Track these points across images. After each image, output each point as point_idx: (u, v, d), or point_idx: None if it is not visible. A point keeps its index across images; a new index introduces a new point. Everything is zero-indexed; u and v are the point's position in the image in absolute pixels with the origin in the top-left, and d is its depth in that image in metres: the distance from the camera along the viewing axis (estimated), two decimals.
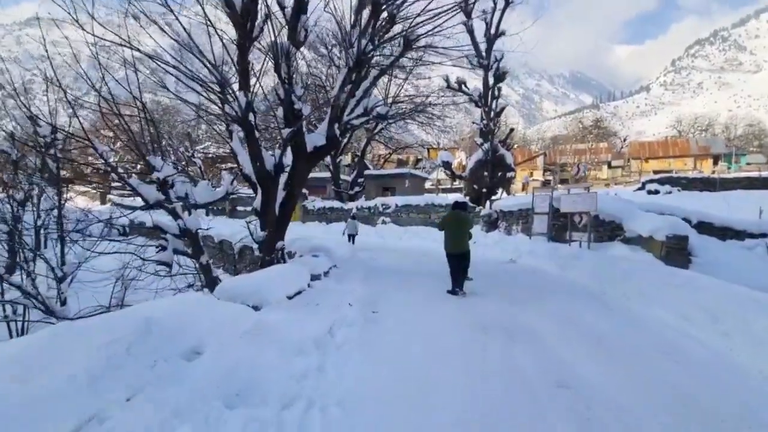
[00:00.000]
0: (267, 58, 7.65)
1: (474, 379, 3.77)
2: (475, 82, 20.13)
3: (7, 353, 2.26)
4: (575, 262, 9.59)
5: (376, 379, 3.62)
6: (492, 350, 4.49)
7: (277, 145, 9.59)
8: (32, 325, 9.62)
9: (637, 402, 3.36)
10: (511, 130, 22.02)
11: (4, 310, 9.74)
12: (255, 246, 9.73)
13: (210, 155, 41.00)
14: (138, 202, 8.82)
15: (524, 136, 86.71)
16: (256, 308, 4.52)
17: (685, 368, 4.03)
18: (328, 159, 27.92)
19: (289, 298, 5.49)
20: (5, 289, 9.41)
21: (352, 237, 16.52)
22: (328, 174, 29.86)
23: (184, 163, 35.60)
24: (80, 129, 10.13)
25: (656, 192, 30.08)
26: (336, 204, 25.04)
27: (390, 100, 23.83)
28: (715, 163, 55.27)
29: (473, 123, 20.49)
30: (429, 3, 8.50)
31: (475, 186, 18.96)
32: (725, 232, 13.08)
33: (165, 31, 7.67)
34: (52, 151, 9.88)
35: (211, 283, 8.21)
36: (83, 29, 6.52)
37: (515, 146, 37.64)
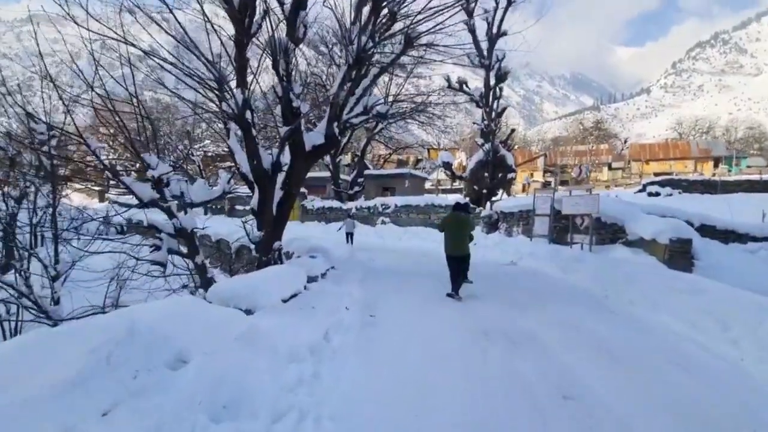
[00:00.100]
0: (265, 55, 7.49)
1: (475, 388, 3.63)
2: (475, 82, 20.00)
3: None
4: (577, 265, 9.44)
5: (373, 388, 3.48)
6: (493, 357, 4.35)
7: (275, 144, 9.45)
8: (25, 324, 9.47)
9: (645, 414, 3.22)
10: (512, 130, 21.89)
11: None
12: (253, 246, 9.59)
13: (209, 154, 40.86)
14: (136, 200, 8.69)
15: (525, 137, 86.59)
16: (249, 312, 4.36)
17: (694, 379, 3.88)
18: (327, 158, 27.78)
19: (284, 301, 5.33)
20: None
21: (349, 236, 16.38)
22: (327, 173, 29.70)
23: (182, 161, 35.48)
24: (80, 126, 10.01)
25: (657, 194, 29.96)
26: (335, 204, 24.90)
27: (390, 100, 23.67)
28: (716, 165, 55.19)
29: (474, 123, 20.36)
30: (430, 1, 8.37)
31: (476, 187, 18.82)
32: (728, 236, 12.95)
33: (161, 27, 7.51)
34: (45, 149, 9.69)
35: (207, 283, 8.05)
36: (76, 23, 6.37)
37: (516, 147, 37.51)
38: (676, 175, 41.90)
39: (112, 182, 9.99)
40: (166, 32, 7.62)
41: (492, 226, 15.83)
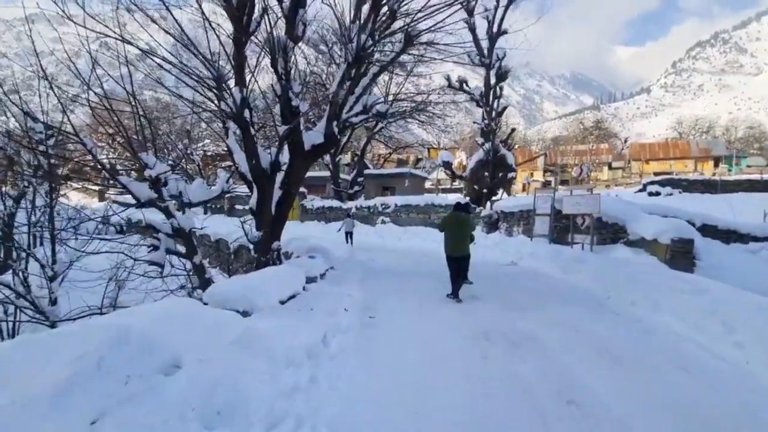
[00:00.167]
0: (264, 53, 7.42)
1: (475, 390, 3.58)
2: (476, 81, 19.93)
3: None
4: (578, 265, 9.37)
5: (371, 392, 3.41)
6: (493, 359, 4.28)
7: (275, 143, 9.38)
8: (23, 325, 9.40)
9: (645, 415, 3.16)
10: (513, 130, 21.80)
11: None
12: (251, 246, 9.52)
13: (209, 153, 40.74)
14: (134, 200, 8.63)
15: (525, 136, 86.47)
16: (246, 314, 4.29)
17: (701, 383, 3.80)
18: (327, 158, 27.71)
19: (282, 302, 5.25)
20: None
21: (349, 235, 16.29)
22: (327, 173, 29.63)
23: (182, 160, 35.38)
24: (79, 126, 9.93)
25: (657, 194, 29.89)
26: (335, 203, 24.82)
27: (390, 99, 23.59)
28: (716, 165, 55.12)
29: (474, 123, 20.27)
30: None
31: (476, 186, 18.74)
32: (729, 236, 12.89)
33: (159, 26, 7.43)
34: (42, 148, 9.63)
35: (205, 284, 7.98)
36: (72, 21, 6.28)
37: (516, 147, 37.44)
38: (677, 174, 41.84)
39: (110, 182, 9.94)
40: (165, 31, 7.54)
41: (492, 225, 15.75)
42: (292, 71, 8.26)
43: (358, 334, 4.87)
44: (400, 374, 3.83)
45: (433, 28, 8.55)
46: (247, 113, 7.43)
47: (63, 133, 8.19)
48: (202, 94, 8.19)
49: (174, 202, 8.52)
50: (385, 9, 8.38)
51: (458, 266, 7.11)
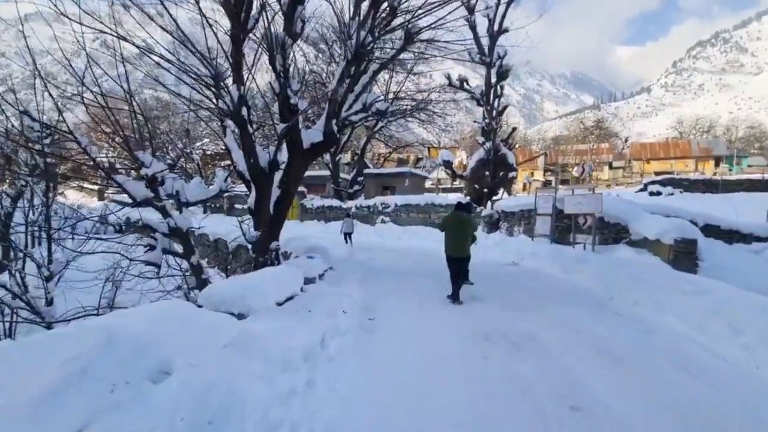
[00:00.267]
0: (261, 50, 7.31)
1: (477, 394, 3.49)
2: (476, 81, 19.81)
3: None
4: (580, 266, 9.26)
5: (370, 397, 3.30)
6: (495, 361, 4.18)
7: (274, 142, 9.27)
8: (19, 326, 9.31)
9: (652, 421, 3.07)
10: (514, 129, 21.69)
11: None
12: (250, 246, 9.42)
13: (208, 152, 40.63)
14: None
15: (525, 136, 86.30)
16: (241, 316, 4.18)
17: (703, 384, 3.71)
18: (327, 157, 27.61)
19: (280, 304, 5.15)
20: None
21: (348, 236, 16.20)
22: (327, 172, 29.53)
23: (182, 159, 35.28)
24: (77, 124, 9.80)
25: (658, 193, 29.80)
26: (335, 203, 24.72)
27: (390, 97, 23.46)
28: (717, 165, 55.00)
29: (475, 122, 20.15)
30: None
31: (476, 186, 18.62)
32: (732, 235, 12.81)
33: (155, 22, 7.32)
34: (39, 147, 9.53)
35: (202, 284, 7.88)
36: (67, 17, 6.18)
37: (517, 146, 37.32)
38: (677, 174, 41.74)
39: (107, 181, 9.84)
40: (162, 28, 7.43)
41: (493, 225, 15.65)
42: (291, 69, 8.16)
43: (357, 336, 4.76)
44: (399, 376, 3.75)
45: (433, 25, 8.43)
46: (244, 111, 7.32)
47: (58, 131, 8.09)
48: (199, 92, 8.09)
49: (171, 201, 8.43)
50: (384, 5, 8.27)
51: (458, 267, 6.99)
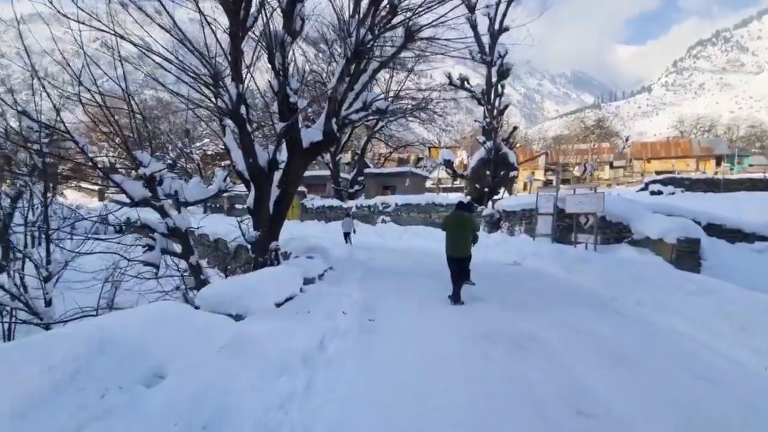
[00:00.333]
0: (259, 47, 7.24)
1: (478, 395, 3.42)
2: (476, 80, 19.71)
3: None
4: (582, 265, 9.18)
5: (371, 401, 3.22)
6: (498, 364, 4.09)
7: (273, 142, 9.21)
8: (19, 327, 9.24)
9: (657, 425, 2.99)
10: (515, 128, 21.60)
11: None
12: (249, 246, 9.35)
13: (209, 152, 40.59)
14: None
15: (526, 135, 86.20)
16: (239, 317, 4.11)
17: (716, 390, 3.60)
18: (327, 156, 27.55)
19: (278, 305, 5.07)
20: None
21: (347, 235, 16.20)
22: (327, 172, 29.46)
23: (182, 159, 35.26)
24: (75, 124, 9.73)
25: (659, 193, 29.67)
26: (335, 202, 24.65)
27: (391, 98, 23.38)
28: (718, 164, 54.86)
29: (476, 121, 20.05)
30: None
31: (477, 185, 18.53)
32: (735, 235, 12.72)
33: (152, 18, 7.24)
34: (36, 147, 9.47)
35: (200, 285, 7.81)
36: (61, 13, 6.11)
37: (518, 145, 37.24)
38: (678, 173, 41.61)
39: (105, 181, 9.78)
40: (159, 25, 7.35)
41: (494, 225, 15.57)
42: (291, 68, 8.09)
43: (356, 338, 4.66)
44: (400, 378, 3.68)
45: (434, 23, 8.35)
46: (243, 110, 7.25)
47: (56, 131, 8.02)
48: (198, 91, 8.03)
49: (170, 201, 8.36)
50: (384, 3, 8.20)
51: (459, 267, 6.90)
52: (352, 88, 8.59)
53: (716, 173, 44.01)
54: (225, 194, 9.80)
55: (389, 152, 36.30)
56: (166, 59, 7.34)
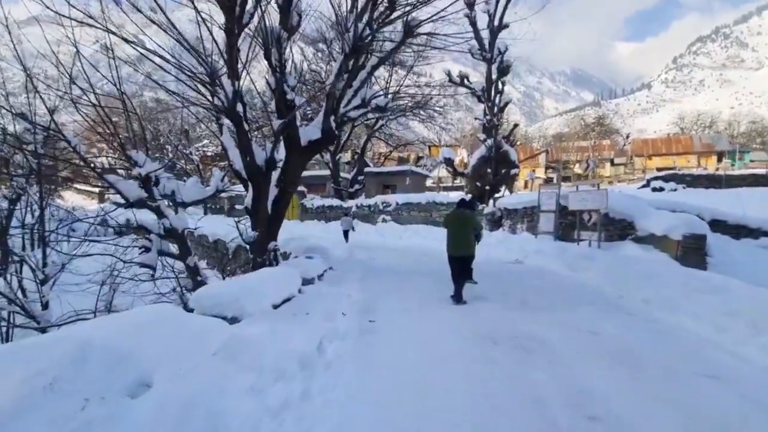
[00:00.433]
0: (255, 43, 7.09)
1: (478, 397, 3.31)
2: (476, 79, 19.57)
3: None
4: (586, 263, 9.03)
5: (370, 409, 3.07)
6: (503, 368, 3.94)
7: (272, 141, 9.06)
8: (17, 330, 9.12)
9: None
10: (515, 125, 21.43)
11: None
12: (248, 246, 9.21)
13: (208, 153, 40.47)
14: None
15: (526, 133, 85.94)
16: (234, 320, 3.96)
17: (733, 393, 3.45)
18: (327, 156, 27.43)
19: (276, 306, 4.93)
20: None
21: (346, 234, 16.22)
22: (327, 171, 29.34)
23: (182, 160, 35.14)
24: (70, 123, 9.58)
25: (661, 189, 29.54)
26: (335, 202, 24.52)
27: (390, 95, 23.22)
28: (719, 160, 54.66)
29: (476, 119, 19.89)
30: None
31: (478, 183, 18.37)
32: (739, 230, 12.61)
33: (143, 13, 7.09)
34: (30, 147, 9.34)
35: (198, 286, 7.66)
36: (52, 10, 5.97)
37: (518, 143, 37.07)
38: (680, 170, 41.41)
39: (99, 181, 9.65)
40: (151, 21, 7.20)
41: (495, 223, 15.43)
42: (289, 65, 7.95)
43: (356, 340, 4.51)
44: (401, 383, 3.53)
45: (433, 18, 8.19)
46: (240, 108, 7.10)
47: (48, 130, 7.88)
48: (195, 90, 7.89)
49: (167, 201, 8.22)
50: None
51: (460, 266, 6.75)
52: (351, 85, 8.45)
53: (717, 169, 43.85)
54: (224, 194, 9.66)
55: (389, 151, 36.17)
56: (161, 56, 7.20)
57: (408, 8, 8.16)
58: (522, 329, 5.10)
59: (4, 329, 9.03)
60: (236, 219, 8.58)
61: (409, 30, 8.07)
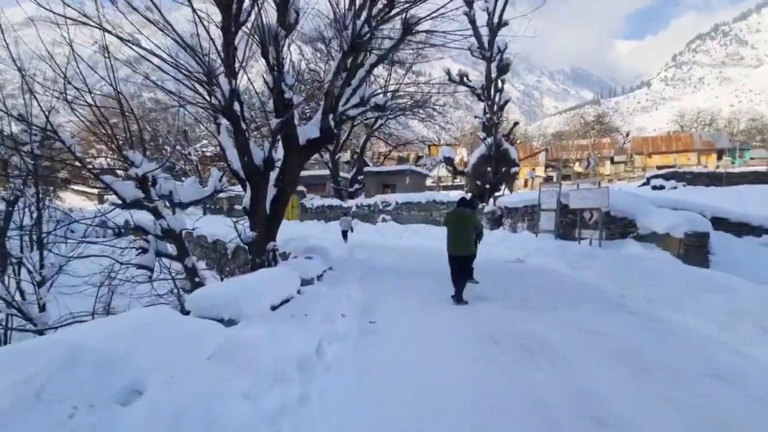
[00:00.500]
0: (251, 40, 7.01)
1: (479, 396, 3.28)
2: (475, 78, 19.49)
3: None
4: (588, 262, 8.96)
5: (370, 411, 3.00)
6: (506, 368, 3.87)
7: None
8: (15, 332, 9.05)
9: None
10: (515, 123, 21.35)
11: None
12: (246, 246, 9.13)
13: (208, 153, 40.39)
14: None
15: (525, 132, 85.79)
16: (231, 322, 3.89)
17: (743, 395, 3.37)
18: (327, 156, 27.34)
19: (274, 308, 4.85)
20: None
21: (345, 234, 16.16)
22: (327, 171, 29.26)
23: (182, 162, 35.07)
24: (65, 124, 9.52)
25: (661, 187, 29.42)
26: (335, 202, 24.45)
27: (390, 94, 23.13)
28: (720, 158, 54.57)
29: (475, 117, 19.81)
30: None
31: (478, 182, 18.28)
32: (741, 228, 12.52)
33: (139, 12, 7.01)
34: (27, 148, 9.24)
35: (196, 288, 7.59)
36: (43, 7, 5.90)
37: (518, 142, 37.00)
38: (680, 167, 41.31)
39: (95, 182, 9.58)
40: (147, 19, 7.12)
41: (496, 222, 15.36)
42: (287, 64, 7.86)
43: (356, 342, 4.43)
44: (402, 387, 3.46)
45: (433, 15, 8.10)
46: (237, 106, 7.02)
47: (44, 130, 7.80)
48: (191, 89, 7.81)
49: (165, 202, 8.15)
50: None
51: (460, 266, 6.67)
52: (350, 83, 8.36)
53: (718, 167, 43.78)
54: (223, 195, 9.59)
55: (389, 151, 36.07)
56: (158, 56, 7.12)
57: (407, 5, 8.07)
58: (523, 329, 5.04)
59: (1, 332, 8.97)
60: (234, 219, 8.50)
61: (408, 27, 7.98)
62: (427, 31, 8.99)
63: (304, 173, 18.52)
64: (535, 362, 3.99)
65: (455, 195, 18.36)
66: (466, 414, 3.01)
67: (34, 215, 11.43)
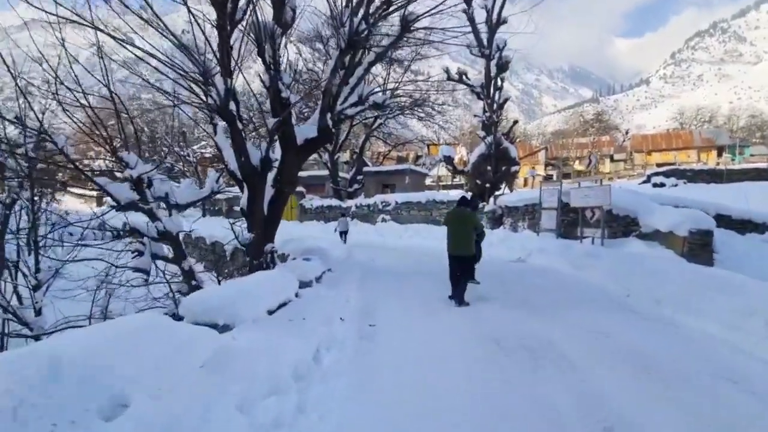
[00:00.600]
0: (246, 38, 6.89)
1: (478, 401, 3.17)
2: (475, 75, 19.36)
3: None
4: (590, 261, 8.84)
5: (370, 415, 2.89)
6: (509, 371, 3.75)
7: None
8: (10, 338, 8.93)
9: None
10: (515, 122, 21.23)
11: None
12: (244, 248, 9.01)
13: (207, 155, 40.25)
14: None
15: (525, 131, 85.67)
16: (226, 328, 3.76)
17: (754, 398, 3.24)
18: (326, 156, 27.22)
19: (271, 312, 4.73)
20: None
21: (343, 234, 16.02)
22: (326, 171, 29.15)
23: (181, 163, 34.94)
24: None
25: (662, 185, 29.36)
26: (334, 202, 24.33)
27: (388, 93, 23.00)
28: (720, 155, 54.48)
29: (475, 116, 19.68)
30: None
31: (478, 181, 18.15)
32: (744, 225, 12.44)
33: (131, 9, 6.89)
34: (21, 150, 9.12)
35: (193, 291, 7.48)
36: (33, 5, 5.78)
37: (518, 140, 36.87)
38: (680, 165, 41.23)
39: (89, 184, 9.45)
40: (140, 17, 7.00)
41: (496, 221, 15.24)
42: (284, 63, 7.75)
43: (355, 347, 4.30)
44: (401, 386, 3.41)
45: (431, 11, 7.99)
46: (233, 106, 6.89)
47: (38, 132, 7.68)
48: (187, 89, 7.69)
49: (162, 204, 8.03)
50: None
51: (459, 266, 6.54)
52: (347, 82, 8.24)
53: (718, 164, 43.73)
54: (221, 196, 9.50)
55: (388, 150, 35.96)
56: (153, 56, 7.01)
57: (405, 2, 7.95)
58: (525, 329, 4.95)
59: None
60: (231, 221, 8.38)
61: (406, 24, 7.88)
62: (425, 29, 8.89)
63: (302, 174, 18.38)
64: (537, 362, 3.92)
65: (455, 194, 18.24)
66: (466, 414, 2.96)
67: (30, 218, 11.31)
